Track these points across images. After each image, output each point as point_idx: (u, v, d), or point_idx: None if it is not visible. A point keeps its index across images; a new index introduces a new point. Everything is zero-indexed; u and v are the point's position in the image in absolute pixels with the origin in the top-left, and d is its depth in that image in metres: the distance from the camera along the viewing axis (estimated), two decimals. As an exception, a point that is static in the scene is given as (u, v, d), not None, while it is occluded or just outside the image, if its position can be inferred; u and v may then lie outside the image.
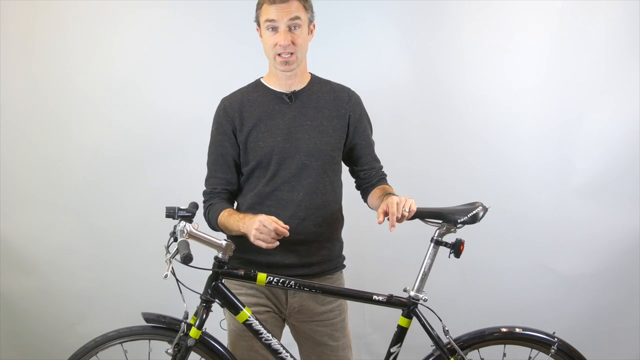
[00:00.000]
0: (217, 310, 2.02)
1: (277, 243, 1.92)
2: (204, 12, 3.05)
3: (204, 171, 3.05)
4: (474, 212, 1.94)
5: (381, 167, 2.22)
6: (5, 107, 2.99)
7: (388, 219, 1.86)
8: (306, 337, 2.19)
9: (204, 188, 2.17)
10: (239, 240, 2.00)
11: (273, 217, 1.92)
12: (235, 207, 2.16)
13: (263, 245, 1.91)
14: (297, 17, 1.98)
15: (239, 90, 2.17)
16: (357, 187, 2.23)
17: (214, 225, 2.10)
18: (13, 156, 3.02)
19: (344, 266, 2.24)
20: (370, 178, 2.17)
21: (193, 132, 3.09)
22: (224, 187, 2.13)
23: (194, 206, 2.00)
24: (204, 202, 2.15)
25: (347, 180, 2.22)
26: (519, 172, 3.11)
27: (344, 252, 2.24)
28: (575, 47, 3.04)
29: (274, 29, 1.99)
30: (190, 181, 3.06)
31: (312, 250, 2.09)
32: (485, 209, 1.98)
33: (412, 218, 1.91)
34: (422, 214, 1.94)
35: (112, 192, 3.06)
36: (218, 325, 2.09)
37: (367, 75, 2.98)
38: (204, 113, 3.09)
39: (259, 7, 2.04)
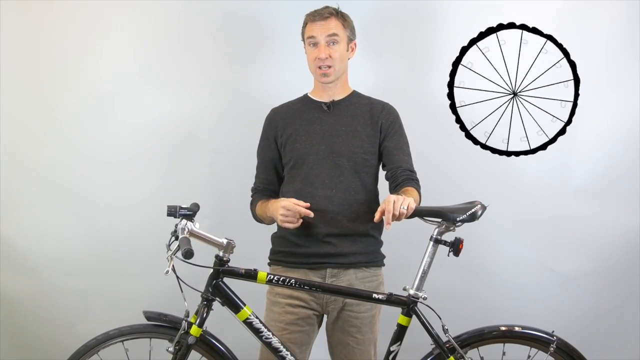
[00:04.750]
0: (218, 308, 2.02)
1: (301, 221, 2.12)
2: (203, 12, 3.05)
3: (204, 171, 3.09)
4: (473, 210, 1.97)
5: (408, 169, 2.24)
6: (5, 107, 2.99)
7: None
8: (335, 327, 2.26)
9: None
10: (280, 236, 2.28)
11: (294, 200, 2.11)
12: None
13: (290, 226, 2.12)
14: (335, 34, 2.21)
15: (288, 102, 2.40)
16: (389, 191, 2.26)
17: (255, 217, 2.36)
18: (13, 156, 3.01)
19: (383, 264, 2.32)
20: (395, 177, 2.22)
21: (193, 133, 3.10)
22: (266, 186, 2.37)
23: (196, 206, 2.02)
24: (251, 196, 2.40)
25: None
26: (519, 172, 3.11)
27: None
28: (575, 47, 3.04)
29: (315, 45, 2.23)
30: (191, 181, 3.08)
31: (347, 243, 2.21)
32: (484, 208, 2.00)
33: (412, 216, 1.94)
34: (422, 213, 1.97)
35: (112, 192, 3.05)
36: (219, 323, 2.10)
37: (367, 75, 2.98)
38: (204, 113, 3.11)
39: (304, 26, 2.30)
